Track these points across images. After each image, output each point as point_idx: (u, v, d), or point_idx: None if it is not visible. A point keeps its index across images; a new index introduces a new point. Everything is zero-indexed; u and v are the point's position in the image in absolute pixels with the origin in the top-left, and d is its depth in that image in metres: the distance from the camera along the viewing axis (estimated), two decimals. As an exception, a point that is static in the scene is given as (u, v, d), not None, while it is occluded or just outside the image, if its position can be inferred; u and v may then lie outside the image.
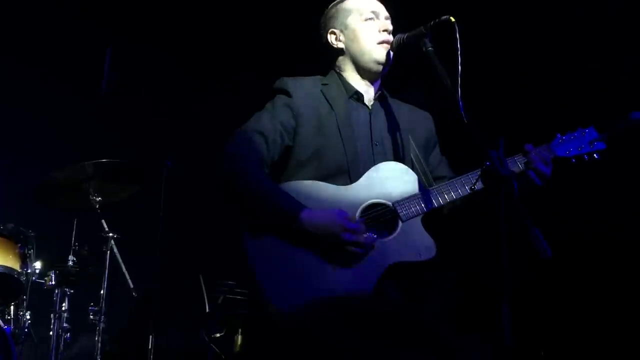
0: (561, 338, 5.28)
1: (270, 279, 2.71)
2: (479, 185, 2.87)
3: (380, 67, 3.07)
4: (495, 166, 2.50)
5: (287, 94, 3.02)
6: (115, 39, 6.14)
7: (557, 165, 2.92)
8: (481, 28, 4.75)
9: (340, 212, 2.78)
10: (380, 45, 3.03)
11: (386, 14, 3.13)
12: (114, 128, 5.98)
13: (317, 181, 2.87)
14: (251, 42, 6.13)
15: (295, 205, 2.75)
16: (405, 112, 3.18)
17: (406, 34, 2.97)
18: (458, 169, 3.08)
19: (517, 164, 2.91)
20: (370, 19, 3.08)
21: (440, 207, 2.89)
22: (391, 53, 3.05)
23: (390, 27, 3.06)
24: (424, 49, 2.82)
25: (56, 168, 4.70)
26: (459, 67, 2.63)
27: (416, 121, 3.19)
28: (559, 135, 2.99)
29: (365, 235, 2.76)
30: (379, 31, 3.05)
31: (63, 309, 4.79)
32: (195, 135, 5.96)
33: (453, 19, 2.72)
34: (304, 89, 3.05)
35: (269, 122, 2.95)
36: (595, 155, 2.94)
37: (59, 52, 5.94)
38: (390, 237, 2.82)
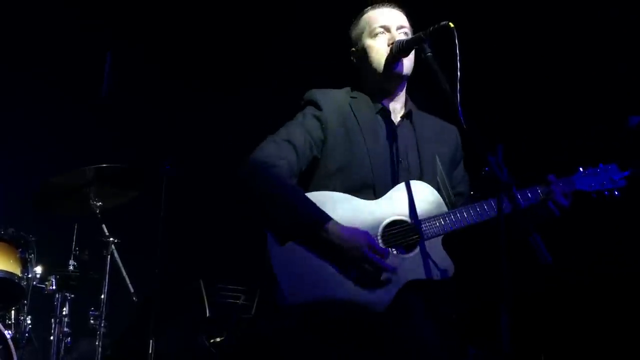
0: (561, 342, 5.28)
1: (288, 275, 2.73)
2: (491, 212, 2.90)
3: (396, 81, 3.08)
4: (495, 172, 2.50)
5: (317, 106, 3.02)
6: (115, 43, 6.16)
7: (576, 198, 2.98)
8: (479, 34, 4.77)
9: (368, 233, 2.80)
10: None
11: (399, 23, 3.08)
12: (114, 133, 5.99)
13: (343, 193, 2.89)
14: (251, 47, 6.14)
15: (324, 215, 2.77)
16: (431, 126, 3.17)
17: (405, 40, 2.97)
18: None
19: (538, 193, 2.95)
20: (380, 33, 3.06)
21: (459, 229, 2.91)
22: (404, 62, 3.02)
23: (402, 38, 3.01)
24: (423, 55, 2.82)
25: (57, 173, 4.71)
26: (458, 73, 2.64)
27: (442, 136, 3.17)
28: (581, 170, 3.03)
29: (383, 262, 2.77)
30: (388, 44, 3.02)
31: (64, 313, 4.80)
32: (194, 140, 5.97)
33: (452, 25, 2.72)
34: (333, 102, 3.05)
35: (299, 133, 2.96)
36: (615, 192, 3.00)
37: (58, 58, 5.96)
38: (410, 255, 2.85)
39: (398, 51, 2.98)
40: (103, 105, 6.07)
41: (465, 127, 2.58)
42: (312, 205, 2.79)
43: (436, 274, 2.84)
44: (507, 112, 5.40)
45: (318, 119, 3.00)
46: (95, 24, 6.01)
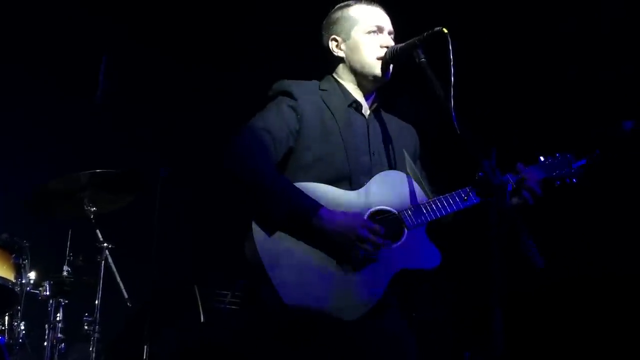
0: (555, 345, 5.30)
1: (279, 271, 2.69)
2: (472, 199, 2.92)
3: (378, 83, 3.10)
4: (489, 176, 2.51)
5: (291, 96, 2.99)
6: (111, 48, 6.15)
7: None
8: (473, 39, 4.79)
9: (360, 215, 2.80)
10: (379, 61, 3.03)
11: (390, 28, 3.12)
12: (109, 138, 5.99)
13: (322, 184, 2.87)
14: (246, 51, 6.15)
15: (314, 202, 2.76)
16: (395, 124, 3.21)
17: (399, 45, 2.98)
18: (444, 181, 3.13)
19: (510, 181, 2.99)
20: (373, 32, 3.07)
21: (444, 216, 2.93)
22: (390, 68, 3.06)
23: (392, 44, 3.05)
24: (417, 60, 2.83)
25: (51, 178, 4.70)
26: (452, 78, 2.65)
27: (404, 133, 3.22)
28: (541, 158, 3.13)
29: (381, 238, 2.76)
30: (380, 46, 3.04)
31: (57, 319, 4.79)
32: (189, 145, 5.97)
33: (446, 31, 2.73)
34: (306, 92, 3.04)
35: (275, 121, 2.93)
36: (573, 179, 3.12)
37: (54, 61, 5.95)
38: (397, 244, 2.84)
39: (392, 57, 3.00)
40: (98, 110, 6.06)
41: (459, 132, 2.60)
42: (302, 193, 2.77)
43: (426, 262, 2.85)
44: (499, 116, 5.43)
45: (293, 109, 2.97)
46: (90, 28, 6.00)
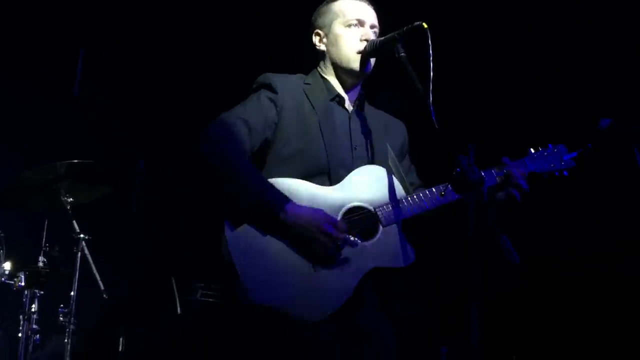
0: (533, 342, 5.33)
1: (250, 270, 2.69)
2: (449, 196, 2.90)
3: (359, 76, 3.10)
4: (465, 172, 2.51)
5: (272, 89, 3.00)
6: (88, 40, 6.12)
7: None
8: (454, 35, 4.80)
9: (325, 212, 2.78)
10: (359, 55, 3.04)
11: (373, 22, 3.12)
12: (86, 129, 5.95)
13: (299, 179, 2.87)
14: (224, 45, 6.14)
15: (282, 196, 2.75)
16: (381, 119, 3.21)
17: (379, 40, 2.98)
18: (428, 176, 3.12)
19: (494, 176, 2.98)
20: (354, 25, 3.07)
21: (421, 213, 2.92)
22: (371, 61, 3.07)
23: (373, 37, 3.06)
24: (396, 55, 2.83)
25: (27, 168, 4.66)
26: (431, 73, 2.65)
27: (391, 129, 3.21)
28: (531, 150, 3.09)
29: (345, 235, 2.74)
30: (360, 39, 3.05)
31: (32, 310, 4.74)
32: (167, 137, 5.94)
33: (425, 25, 2.73)
34: (288, 86, 3.04)
35: (253, 111, 2.94)
36: (564, 172, 3.07)
37: (30, 52, 5.90)
38: (371, 241, 2.83)
39: (371, 51, 3.00)
40: (76, 101, 6.02)
41: (437, 127, 2.59)
42: (270, 186, 2.77)
43: (399, 261, 2.84)
44: (478, 113, 5.45)
45: (273, 101, 2.98)
46: (68, 20, 5.95)
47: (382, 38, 2.97)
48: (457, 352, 5.20)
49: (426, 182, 3.13)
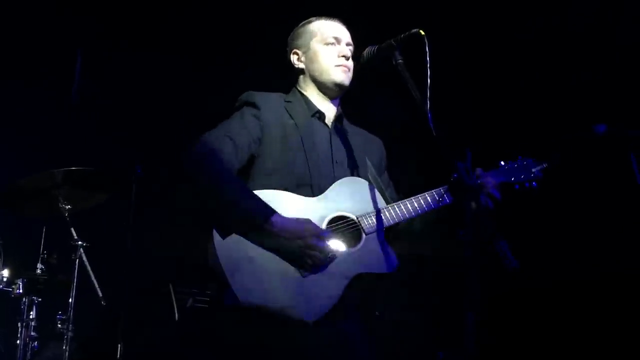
0: (531, 348, 5.34)
1: (238, 276, 2.75)
2: (445, 200, 3.05)
3: (338, 89, 3.23)
4: (463, 177, 2.54)
5: (255, 106, 3.11)
6: (86, 45, 6.12)
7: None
8: (447, 40, 4.82)
9: (311, 221, 2.87)
10: (338, 68, 3.20)
11: (348, 40, 3.28)
12: (84, 135, 5.95)
13: (283, 191, 2.95)
14: (222, 51, 6.15)
15: (268, 208, 2.82)
16: (360, 135, 3.35)
17: (376, 46, 2.99)
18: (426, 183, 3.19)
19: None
20: (331, 43, 3.23)
21: (402, 222, 3.05)
22: (350, 76, 3.22)
23: (349, 54, 3.23)
24: (394, 62, 2.85)
25: (25, 175, 4.67)
26: (428, 80, 2.67)
27: (370, 145, 3.36)
28: (502, 163, 3.24)
29: (330, 246, 2.84)
30: (338, 56, 3.21)
31: (31, 317, 4.76)
32: (165, 143, 5.94)
33: (422, 33, 2.76)
34: (270, 103, 3.16)
35: (238, 129, 3.03)
36: (533, 183, 3.22)
37: (28, 58, 5.90)
38: (355, 249, 2.92)
39: (368, 58, 3.02)
40: (73, 107, 6.02)
41: (434, 133, 2.62)
42: (257, 198, 2.84)
43: (382, 267, 2.94)
44: (475, 118, 5.47)
45: (257, 117, 3.08)
46: (65, 25, 5.96)
47: (379, 45, 2.98)
48: (454, 356, 5.20)
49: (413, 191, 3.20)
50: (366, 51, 3.03)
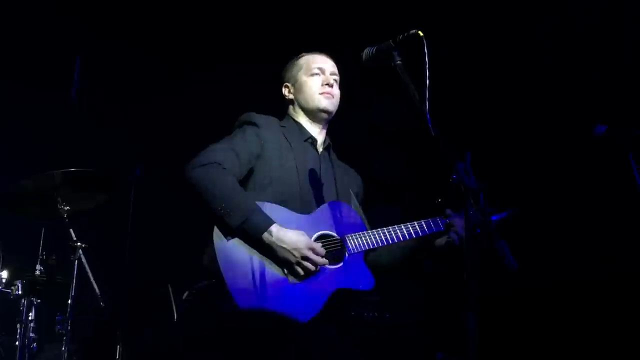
0: (530, 349, 5.34)
1: (234, 278, 2.96)
2: (425, 232, 3.35)
3: (324, 115, 3.52)
4: (462, 179, 2.54)
5: (256, 124, 3.37)
6: (85, 46, 6.12)
7: None
8: (447, 41, 4.82)
9: (306, 236, 3.13)
10: (322, 95, 3.49)
11: (332, 70, 3.57)
12: (83, 136, 5.95)
13: (276, 205, 3.19)
14: (220, 53, 6.15)
15: (267, 218, 3.07)
16: (342, 167, 3.65)
17: (375, 47, 2.98)
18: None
19: (439, 224, 3.39)
20: (316, 74, 3.53)
21: (382, 246, 3.30)
22: (334, 102, 3.52)
23: (332, 82, 3.52)
24: (392, 63, 2.85)
25: (24, 176, 4.66)
26: (427, 81, 2.67)
27: (350, 177, 3.66)
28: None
29: (323, 259, 3.11)
30: (322, 84, 3.50)
31: (30, 318, 4.74)
32: (164, 144, 5.95)
33: (421, 34, 2.75)
34: (268, 123, 3.43)
35: (241, 144, 3.29)
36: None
37: (28, 59, 5.90)
38: (337, 266, 3.18)
39: (367, 59, 3.01)
40: (73, 109, 6.02)
41: (433, 135, 2.62)
42: (258, 208, 3.08)
43: (361, 285, 3.20)
44: (475, 120, 5.47)
45: (257, 135, 3.34)
46: (64, 26, 5.96)
47: (378, 46, 2.97)
48: (453, 358, 5.20)
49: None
50: (365, 52, 3.01)
